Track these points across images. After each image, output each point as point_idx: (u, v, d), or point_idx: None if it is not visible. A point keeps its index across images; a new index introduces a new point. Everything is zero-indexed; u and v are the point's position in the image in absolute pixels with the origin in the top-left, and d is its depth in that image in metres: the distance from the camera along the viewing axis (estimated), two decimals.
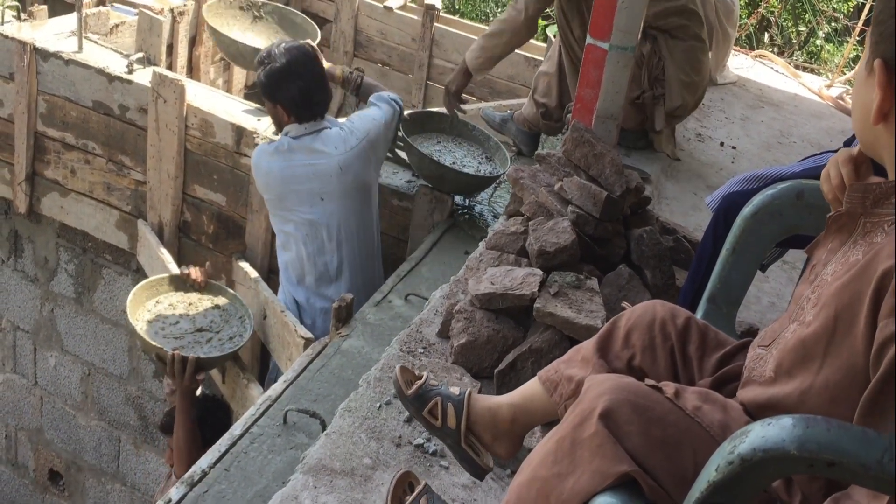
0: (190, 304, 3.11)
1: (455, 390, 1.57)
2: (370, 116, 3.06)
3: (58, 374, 4.37)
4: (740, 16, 4.62)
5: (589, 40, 2.53)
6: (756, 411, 1.17)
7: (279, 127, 3.03)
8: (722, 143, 3.30)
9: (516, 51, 4.89)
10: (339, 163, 2.93)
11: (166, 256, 3.62)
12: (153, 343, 2.87)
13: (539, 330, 2.02)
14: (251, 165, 3.03)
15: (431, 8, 5.10)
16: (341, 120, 3.14)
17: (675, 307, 1.40)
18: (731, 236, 1.43)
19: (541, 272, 2.11)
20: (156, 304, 3.07)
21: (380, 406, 1.97)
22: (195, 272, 3.16)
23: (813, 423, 0.84)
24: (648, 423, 1.13)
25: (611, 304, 2.15)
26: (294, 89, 2.91)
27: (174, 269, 3.48)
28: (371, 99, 3.18)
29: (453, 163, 3.23)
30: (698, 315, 1.52)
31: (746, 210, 1.40)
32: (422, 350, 2.17)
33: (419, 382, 1.58)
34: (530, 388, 1.51)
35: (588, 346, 1.45)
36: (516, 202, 2.55)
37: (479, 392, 1.98)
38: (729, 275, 1.45)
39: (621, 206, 2.34)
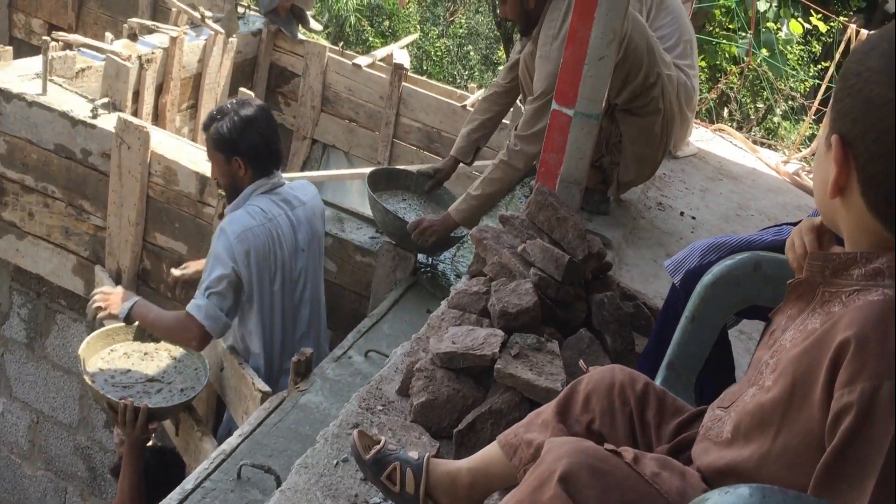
0: (145, 354, 3.05)
1: (414, 455, 1.57)
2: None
3: (4, 420, 4.24)
4: (700, 90, 4.77)
5: (554, 106, 2.60)
6: (713, 476, 1.19)
7: (232, 188, 2.92)
8: (682, 213, 3.38)
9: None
10: (305, 213, 2.94)
11: None
12: (102, 392, 2.80)
13: (499, 391, 2.03)
14: (227, 238, 2.82)
15: (400, 67, 5.18)
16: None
17: (633, 372, 1.42)
18: (691, 304, 1.46)
19: (502, 333, 2.12)
20: (110, 353, 3.01)
21: (337, 463, 1.94)
22: None
23: (770, 493, 0.86)
24: (607, 487, 1.14)
25: (571, 367, 2.16)
26: (256, 137, 2.85)
27: None
28: None
29: None
30: (657, 381, 1.54)
31: (706, 279, 1.44)
32: (381, 407, 2.16)
33: (377, 447, 1.58)
34: (489, 453, 1.51)
35: (548, 409, 1.46)
36: (479, 262, 2.58)
37: (438, 452, 1.97)
38: (687, 342, 1.48)
39: (583, 270, 2.37)
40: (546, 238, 2.47)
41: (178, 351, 3.09)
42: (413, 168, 3.68)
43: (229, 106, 2.89)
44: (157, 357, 3.05)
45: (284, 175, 3.07)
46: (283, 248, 2.90)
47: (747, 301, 1.42)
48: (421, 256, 3.31)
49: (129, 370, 2.95)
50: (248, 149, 2.85)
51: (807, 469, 1.01)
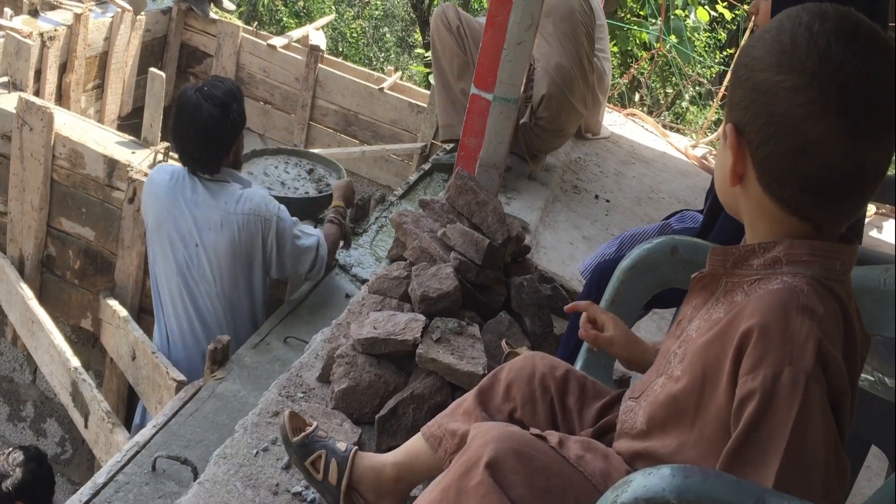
0: None
1: (342, 446, 1.55)
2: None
3: None
4: (613, 75, 4.86)
5: (473, 90, 2.60)
6: (633, 460, 1.22)
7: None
8: (597, 196, 3.44)
9: (401, 96, 4.99)
10: (221, 218, 2.74)
11: (27, 292, 3.42)
12: None
13: (421, 376, 2.03)
14: (147, 179, 2.81)
15: (316, 49, 5.10)
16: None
17: (554, 360, 1.44)
18: (610, 288, 1.49)
19: (423, 318, 2.12)
20: None
21: (256, 452, 1.91)
22: None
23: (690, 472, 0.88)
24: (532, 472, 1.15)
25: (492, 350, 2.18)
26: (184, 141, 2.72)
27: (35, 305, 3.30)
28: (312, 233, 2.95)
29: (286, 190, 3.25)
30: (578, 365, 1.56)
31: (624, 263, 1.47)
32: (301, 395, 2.13)
33: (308, 430, 1.56)
34: (414, 445, 1.51)
35: (469, 398, 1.47)
36: (399, 247, 2.57)
37: (361, 439, 1.96)
38: None
39: (502, 253, 2.39)
40: (466, 222, 2.47)
41: None
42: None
43: (188, 91, 2.73)
44: None
45: None
46: (179, 228, 2.76)
47: (665, 284, 1.46)
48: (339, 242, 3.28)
49: None
50: (176, 140, 2.78)
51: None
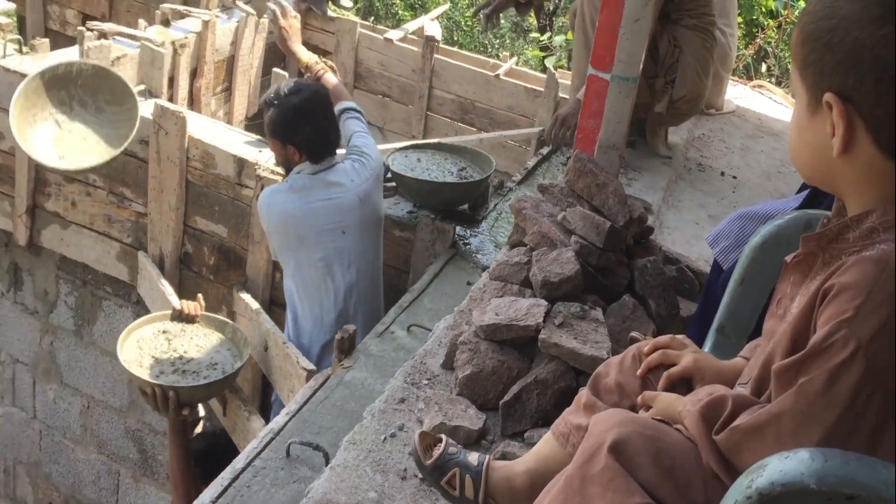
0: (182, 333, 3.08)
1: (474, 459, 1.56)
2: (372, 142, 3.09)
3: (57, 407, 4.34)
4: (738, 46, 4.66)
5: (590, 71, 2.55)
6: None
7: (287, 167, 3.01)
8: (723, 173, 3.31)
9: (517, 82, 4.96)
10: (358, 194, 2.93)
11: (167, 288, 3.61)
12: (137, 375, 2.83)
13: (544, 361, 2.01)
14: (261, 207, 2.98)
15: (431, 39, 5.13)
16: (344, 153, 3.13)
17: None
18: (739, 267, 1.43)
19: (545, 303, 2.10)
20: (145, 332, 3.04)
21: (384, 438, 1.95)
22: (188, 306, 3.13)
23: (831, 455, 0.84)
24: (658, 453, 1.12)
25: (615, 334, 2.14)
26: (310, 130, 2.90)
27: (175, 300, 3.46)
28: (349, 115, 3.18)
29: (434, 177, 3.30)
30: (707, 347, 1.51)
31: (754, 240, 1.40)
32: (426, 381, 2.16)
33: (438, 450, 1.57)
34: (543, 449, 1.51)
35: (585, 391, 1.46)
36: (518, 232, 2.55)
37: (485, 424, 1.97)
38: (737, 305, 1.45)
39: (624, 236, 2.34)
40: (586, 205, 2.44)
41: (216, 331, 3.11)
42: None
43: (285, 91, 2.89)
44: (191, 339, 3.07)
45: None
46: (321, 227, 2.91)
47: None
48: (459, 229, 3.30)
49: (161, 351, 2.97)
50: (302, 140, 2.91)
51: None
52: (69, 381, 4.27)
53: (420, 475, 1.76)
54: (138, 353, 2.91)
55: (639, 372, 1.36)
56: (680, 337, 1.32)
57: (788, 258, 1.16)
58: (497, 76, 4.98)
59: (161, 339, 3.00)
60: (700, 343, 2.02)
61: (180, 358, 2.93)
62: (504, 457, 1.75)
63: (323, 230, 2.91)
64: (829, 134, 1.02)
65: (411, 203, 3.43)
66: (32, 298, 4.23)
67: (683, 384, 1.29)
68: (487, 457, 1.59)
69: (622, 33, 2.45)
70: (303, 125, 2.89)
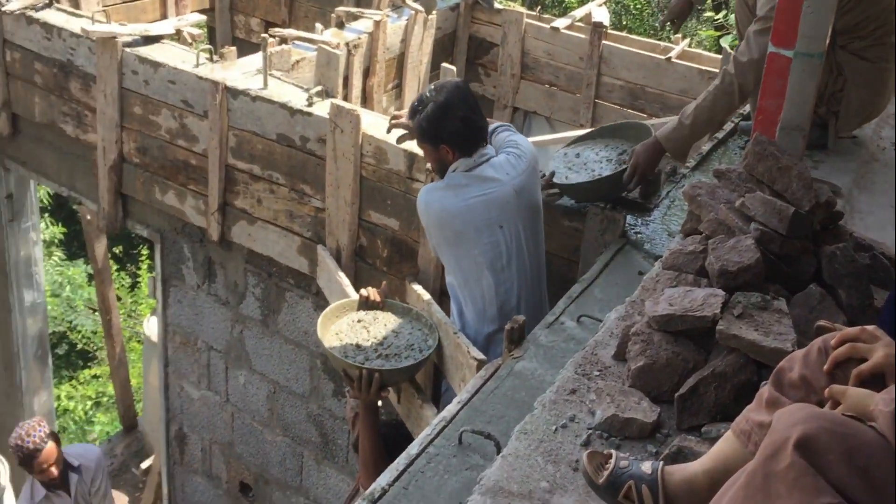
0: (376, 320, 3.21)
1: (647, 468, 1.53)
2: (524, 139, 3.11)
3: (247, 391, 4.64)
4: None
5: (771, 49, 2.41)
6: None
7: (442, 171, 3.05)
8: None
9: (690, 64, 4.78)
10: (514, 187, 2.94)
11: (344, 280, 3.76)
12: (342, 359, 2.97)
13: (722, 353, 1.93)
14: (419, 206, 3.04)
15: (599, 26, 5.05)
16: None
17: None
18: None
19: (723, 293, 2.02)
20: (342, 324, 3.19)
21: (556, 429, 1.94)
22: (373, 293, 3.25)
23: None
24: (850, 450, 1.05)
25: (801, 325, 2.02)
26: (457, 122, 2.94)
27: (352, 292, 3.61)
28: (500, 129, 3.22)
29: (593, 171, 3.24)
30: None
31: None
32: (597, 373, 2.12)
33: (609, 467, 1.55)
34: (723, 448, 1.45)
35: (767, 387, 1.38)
36: (693, 220, 2.46)
37: (660, 417, 1.91)
38: None
39: (810, 221, 2.20)
40: (767, 190, 2.31)
41: (403, 317, 3.22)
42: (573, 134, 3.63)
43: (428, 95, 2.98)
44: (384, 325, 3.19)
45: None
46: (478, 223, 2.93)
47: None
48: (630, 218, 3.22)
49: (360, 338, 3.11)
50: (451, 135, 2.95)
51: None
52: (257, 367, 4.55)
53: (580, 432, 1.73)
54: (339, 342, 3.07)
55: (825, 367, 1.26)
56: (871, 328, 1.22)
57: None
58: (668, 59, 4.82)
59: (358, 328, 3.16)
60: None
61: (381, 343, 3.08)
62: (680, 451, 1.70)
63: (480, 226, 2.94)
64: None
65: None
66: (224, 290, 4.53)
67: (876, 381, 1.19)
68: (660, 464, 1.54)
69: (806, 6, 2.30)
70: (449, 120, 2.94)
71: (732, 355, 1.90)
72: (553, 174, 3.29)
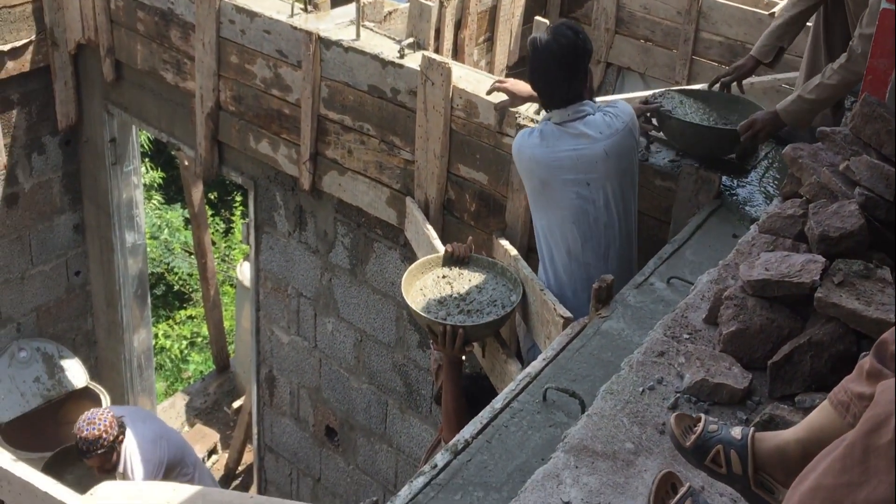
0: (460, 276, 3.23)
1: (737, 433, 1.50)
2: (626, 103, 3.05)
3: (334, 338, 4.75)
4: None
5: (884, 5, 2.29)
6: None
7: (544, 107, 3.05)
8: None
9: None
10: (605, 147, 2.90)
11: (431, 233, 3.79)
12: (425, 315, 3.01)
13: (820, 322, 1.88)
14: (514, 150, 3.06)
15: None
16: (603, 101, 3.10)
17: None
18: None
19: (823, 259, 1.96)
20: (427, 280, 3.23)
21: (643, 391, 1.93)
22: (459, 248, 3.27)
23: None
24: None
25: None
26: (540, 83, 2.95)
27: (438, 244, 3.64)
28: None
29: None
30: None
31: None
32: (687, 336, 2.10)
33: (698, 429, 1.53)
34: (818, 419, 1.41)
35: (869, 357, 1.34)
36: (793, 183, 2.38)
37: (751, 384, 1.89)
38: None
39: None
40: (874, 154, 2.22)
41: (488, 272, 3.24)
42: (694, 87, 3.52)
43: (539, 36, 2.96)
44: (468, 281, 3.21)
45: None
46: (565, 176, 2.91)
47: None
48: (725, 179, 3.14)
49: (444, 294, 3.14)
50: (540, 93, 2.99)
51: None
52: (345, 316, 4.65)
53: (668, 395, 1.72)
54: (423, 298, 3.12)
55: None
56: None
57: None
58: (771, 14, 4.62)
59: (443, 284, 3.19)
60: None
61: (463, 299, 3.11)
62: (772, 419, 1.68)
63: (566, 180, 2.91)
64: None
65: (673, 150, 3.32)
66: (314, 238, 4.63)
67: None
68: (751, 429, 1.52)
69: None
70: (535, 80, 2.96)
71: (831, 324, 1.85)
72: (657, 99, 3.27)
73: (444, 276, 3.24)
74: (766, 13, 4.66)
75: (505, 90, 3.37)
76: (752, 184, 3.16)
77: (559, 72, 2.90)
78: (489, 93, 3.48)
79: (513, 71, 5.31)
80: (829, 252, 2.01)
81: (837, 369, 1.79)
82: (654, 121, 3.29)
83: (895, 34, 2.29)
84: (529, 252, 3.57)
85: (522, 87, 3.27)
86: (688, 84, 4.85)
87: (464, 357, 3.10)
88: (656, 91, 3.43)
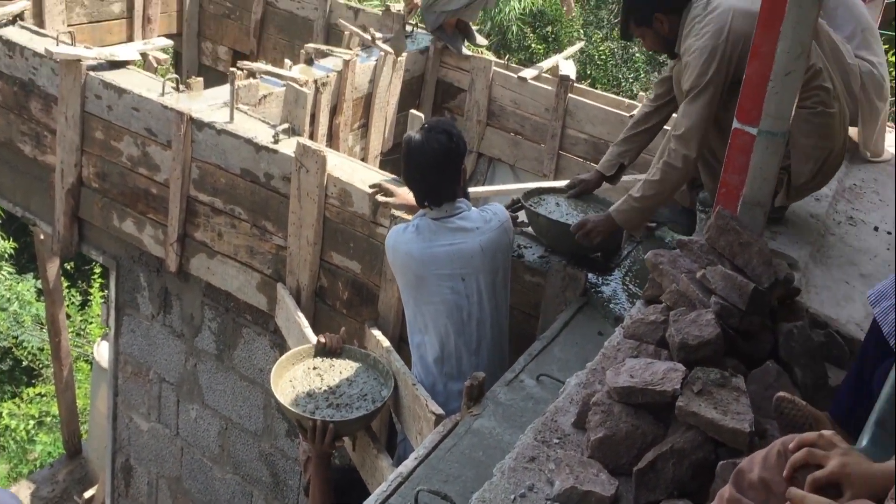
0: (331, 368, 3.19)
1: None
2: (501, 206, 3.16)
3: (198, 426, 4.56)
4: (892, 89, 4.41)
5: (736, 125, 2.47)
6: None
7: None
8: (876, 228, 3.13)
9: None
10: (481, 242, 2.96)
11: (302, 320, 3.73)
12: (293, 410, 2.95)
13: (681, 429, 1.95)
14: (387, 246, 3.08)
15: (566, 79, 5.13)
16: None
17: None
18: None
19: (683, 367, 2.04)
20: (297, 371, 3.16)
21: (514, 499, 1.94)
22: (332, 339, 3.23)
23: None
24: None
25: (757, 402, 2.06)
26: (418, 178, 3.01)
27: (310, 332, 3.58)
28: None
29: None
30: (863, 441, 1.43)
31: None
32: (557, 441, 2.13)
33: None
34: None
35: (727, 487, 1.40)
36: (654, 287, 2.50)
37: (618, 490, 1.93)
38: None
39: (769, 299, 2.25)
40: (728, 264, 2.36)
41: (360, 364, 3.20)
42: (562, 183, 3.67)
43: (406, 139, 3.03)
44: (339, 373, 3.17)
45: None
46: (440, 271, 2.95)
47: None
48: (591, 276, 3.26)
49: (314, 387, 3.09)
50: (416, 190, 3.03)
51: None
52: (210, 403, 4.47)
53: (539, 502, 1.73)
54: (292, 391, 3.05)
55: (784, 473, 1.28)
56: (828, 434, 1.25)
57: None
58: (632, 116, 4.90)
59: (313, 376, 3.13)
60: (852, 417, 1.91)
61: (333, 392, 3.06)
62: None
63: (442, 275, 2.96)
64: None
65: (543, 247, 3.43)
66: (180, 322, 4.47)
67: (832, 488, 1.21)
68: None
69: (771, 86, 2.37)
70: (412, 175, 3.01)
71: (691, 432, 1.92)
72: (528, 195, 3.38)
73: (314, 368, 3.19)
74: (627, 115, 4.94)
75: (388, 192, 3.43)
76: (616, 282, 3.29)
77: (433, 175, 2.96)
78: (373, 191, 3.53)
79: (387, 157, 5.38)
80: (688, 359, 2.10)
81: (697, 476, 1.86)
82: (523, 217, 3.40)
83: (747, 153, 2.47)
84: (402, 343, 3.57)
85: (405, 195, 3.32)
86: (555, 178, 5.05)
87: (334, 452, 3.04)
88: (534, 188, 3.55)
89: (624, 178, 3.64)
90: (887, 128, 4.13)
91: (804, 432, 1.34)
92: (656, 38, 3.12)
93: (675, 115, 3.45)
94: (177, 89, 4.27)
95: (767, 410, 2.09)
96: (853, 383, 2.00)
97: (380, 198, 3.52)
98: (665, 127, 3.56)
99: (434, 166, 2.94)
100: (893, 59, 5.95)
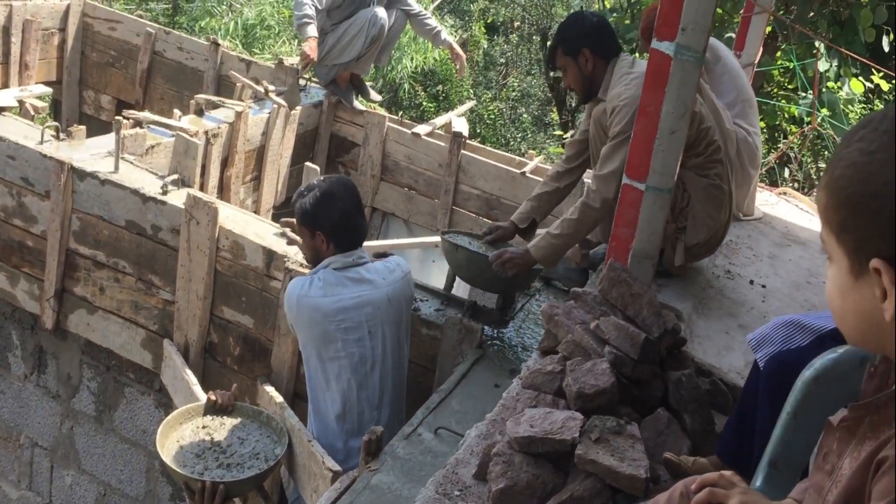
0: (222, 426, 3.06)
1: None
2: (402, 258, 3.18)
3: (73, 493, 4.28)
4: (763, 153, 4.72)
5: (625, 180, 2.58)
6: None
7: (315, 261, 3.04)
8: (752, 282, 3.30)
9: (542, 179, 5.02)
10: (388, 293, 2.96)
11: (191, 378, 3.60)
12: (180, 471, 2.81)
13: (580, 477, 1.98)
14: (288, 299, 3.00)
15: (458, 135, 5.23)
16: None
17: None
18: (793, 400, 1.41)
19: (581, 416, 2.08)
20: (185, 431, 3.03)
21: None
22: (222, 396, 3.12)
23: None
24: None
25: (650, 448, 2.11)
26: (335, 213, 2.96)
27: (198, 390, 3.45)
28: None
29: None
30: (758, 480, 1.48)
31: (808, 374, 1.39)
32: (458, 493, 2.12)
33: None
34: None
35: None
36: (550, 338, 2.55)
37: None
38: (791, 440, 1.42)
39: (659, 348, 2.33)
40: (620, 315, 2.43)
41: (251, 423, 3.10)
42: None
43: (315, 182, 3.01)
44: (230, 431, 3.05)
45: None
46: (348, 324, 2.92)
47: (854, 397, 1.37)
48: (487, 329, 3.28)
49: (203, 447, 2.96)
50: (330, 225, 2.97)
51: None
52: (87, 468, 4.22)
53: None
54: (180, 451, 2.90)
55: (693, 486, 1.32)
56: (728, 474, 1.29)
57: (833, 420, 1.13)
58: (524, 173, 5.05)
59: (202, 434, 3.00)
60: (737, 458, 1.99)
61: (224, 452, 2.93)
62: None
63: (349, 328, 2.92)
64: (878, 298, 0.98)
65: (439, 300, 3.44)
66: (55, 382, 4.22)
67: None
68: None
69: (658, 144, 2.49)
70: (330, 209, 2.96)
71: (590, 480, 1.95)
72: (446, 232, 3.41)
73: (204, 427, 3.06)
74: (518, 171, 5.07)
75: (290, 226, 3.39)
76: (511, 334, 3.33)
77: (353, 214, 2.97)
78: (284, 227, 3.49)
79: (279, 211, 5.31)
80: (585, 408, 2.14)
81: None
82: (442, 249, 3.38)
83: (636, 207, 2.57)
84: (297, 399, 3.49)
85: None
86: None
87: None
88: (451, 230, 3.58)
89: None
90: (758, 188, 4.40)
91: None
92: (578, 74, 3.18)
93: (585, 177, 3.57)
94: (57, 137, 4.12)
95: (660, 457, 2.15)
96: (736, 425, 2.08)
97: (289, 233, 3.46)
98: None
99: (354, 206, 2.98)
100: (763, 124, 6.37)
